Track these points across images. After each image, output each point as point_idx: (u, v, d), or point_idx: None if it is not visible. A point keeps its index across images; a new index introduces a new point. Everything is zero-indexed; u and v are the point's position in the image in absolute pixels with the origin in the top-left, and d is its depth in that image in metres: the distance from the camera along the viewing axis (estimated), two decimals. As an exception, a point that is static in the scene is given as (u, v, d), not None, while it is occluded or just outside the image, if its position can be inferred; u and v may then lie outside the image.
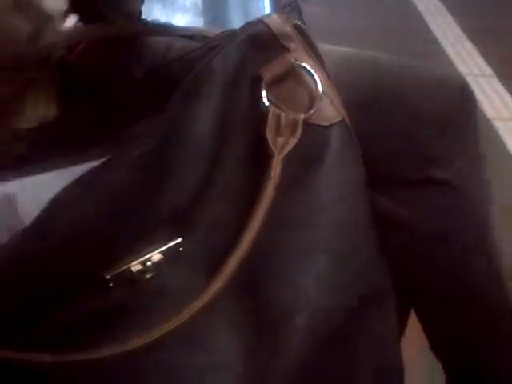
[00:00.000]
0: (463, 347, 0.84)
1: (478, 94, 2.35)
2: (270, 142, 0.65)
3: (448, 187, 0.79)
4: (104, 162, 0.62)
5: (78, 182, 0.61)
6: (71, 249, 0.61)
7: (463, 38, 2.83)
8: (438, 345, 0.85)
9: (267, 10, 1.08)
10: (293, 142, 0.66)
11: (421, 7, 3.11)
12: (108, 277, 0.61)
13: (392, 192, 0.78)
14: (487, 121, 2.19)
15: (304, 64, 0.69)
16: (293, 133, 0.66)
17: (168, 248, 0.63)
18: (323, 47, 0.74)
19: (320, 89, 0.68)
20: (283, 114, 0.66)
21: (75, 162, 0.62)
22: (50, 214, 0.60)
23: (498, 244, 0.83)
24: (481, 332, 0.83)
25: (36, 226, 0.60)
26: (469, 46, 2.77)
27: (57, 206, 0.61)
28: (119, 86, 0.72)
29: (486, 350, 0.83)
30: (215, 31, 0.77)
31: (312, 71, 0.69)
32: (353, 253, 0.69)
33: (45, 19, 0.64)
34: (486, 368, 0.84)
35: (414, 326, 0.85)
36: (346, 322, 0.68)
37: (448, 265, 0.80)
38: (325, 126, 0.69)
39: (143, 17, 0.77)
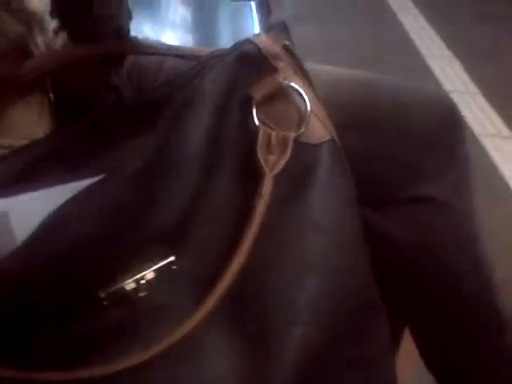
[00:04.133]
0: (454, 360, 0.84)
1: (464, 111, 2.37)
2: (261, 160, 0.66)
3: (436, 204, 0.80)
4: (97, 182, 0.62)
5: (72, 201, 0.61)
6: (65, 267, 0.61)
7: (449, 55, 2.86)
8: (430, 360, 0.85)
9: (256, 29, 1.09)
10: (283, 160, 0.66)
11: (407, 25, 3.14)
12: (102, 295, 0.62)
13: (381, 209, 0.79)
14: (474, 137, 2.21)
15: (292, 84, 0.69)
16: (283, 151, 0.67)
17: (161, 266, 0.63)
18: (314, 67, 0.75)
19: (309, 108, 0.69)
20: (273, 133, 0.67)
21: (69, 180, 0.63)
22: (43, 232, 0.61)
23: (487, 257, 0.83)
24: (472, 344, 0.83)
25: (30, 244, 0.61)
26: (455, 63, 2.80)
27: (50, 224, 0.61)
28: (110, 104, 0.73)
29: (478, 362, 0.84)
30: (205, 50, 0.77)
31: (301, 90, 0.69)
32: (346, 270, 0.69)
33: (32, 19, 0.64)
34: (478, 380, 0.84)
35: (408, 340, 0.86)
36: (340, 337, 0.68)
37: (438, 280, 0.81)
38: (314, 145, 0.69)
39: (133, 34, 0.78)
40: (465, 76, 2.70)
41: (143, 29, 1.15)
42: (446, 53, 2.88)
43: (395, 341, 0.83)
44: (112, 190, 0.63)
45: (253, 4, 1.21)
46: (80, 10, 0.71)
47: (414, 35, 3.05)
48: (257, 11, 1.18)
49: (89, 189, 0.62)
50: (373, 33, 3.01)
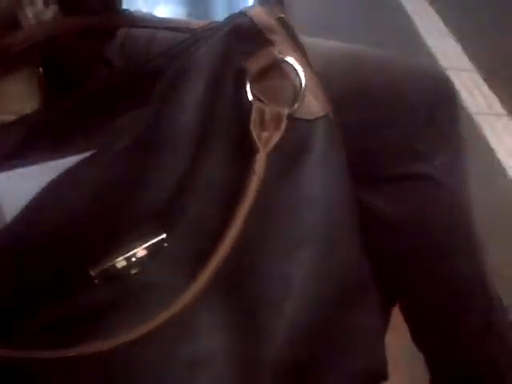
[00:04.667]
0: (443, 337, 0.84)
1: (460, 89, 2.36)
2: (254, 136, 0.65)
3: (431, 182, 0.79)
4: (87, 158, 0.61)
5: (62, 178, 0.61)
6: (55, 245, 0.61)
7: (446, 32, 2.84)
8: (420, 336, 0.85)
9: (251, 1, 1.07)
10: (277, 136, 0.66)
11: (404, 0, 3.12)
12: (93, 273, 0.61)
13: (376, 187, 0.78)
14: (469, 116, 2.20)
15: (288, 58, 0.68)
16: (277, 127, 0.66)
17: (152, 244, 0.63)
18: (309, 40, 0.74)
19: (304, 83, 0.68)
20: (267, 109, 0.66)
21: (58, 157, 0.62)
22: (33, 209, 0.60)
23: (480, 239, 0.83)
24: (460, 322, 0.83)
25: (19, 221, 0.60)
26: (451, 40, 2.79)
27: (40, 201, 0.60)
28: (102, 77, 0.71)
29: (465, 339, 0.84)
30: (199, 23, 0.76)
31: (296, 65, 0.68)
32: (338, 246, 0.69)
33: None
34: (466, 357, 0.84)
35: (398, 314, 0.86)
36: (331, 313, 0.68)
37: (431, 259, 0.81)
38: (309, 121, 0.68)
39: (125, 6, 0.76)
40: (461, 53, 2.69)
41: (136, 3, 1.14)
42: (443, 28, 2.86)
43: (385, 316, 0.83)
44: (102, 167, 0.62)
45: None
46: None
47: (410, 11, 3.03)
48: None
49: (79, 165, 0.61)
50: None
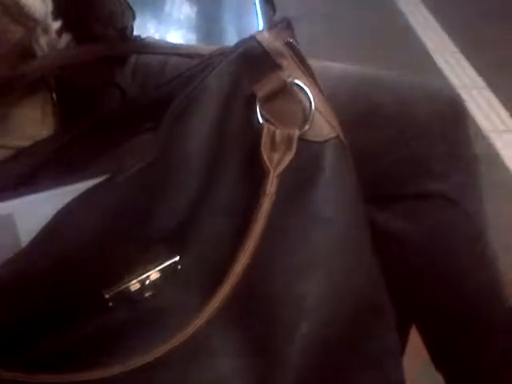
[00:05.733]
0: (463, 360, 0.84)
1: (472, 107, 2.36)
2: (265, 158, 0.65)
3: (445, 200, 0.79)
4: (100, 183, 0.62)
5: (76, 202, 0.61)
6: (70, 268, 0.61)
7: (454, 50, 2.85)
8: (439, 358, 0.85)
9: (261, 26, 1.08)
10: (288, 158, 0.66)
11: (411, 20, 3.13)
12: (107, 296, 0.61)
13: (389, 206, 0.78)
14: (481, 133, 2.20)
15: (297, 81, 0.69)
16: (288, 149, 0.66)
17: (165, 266, 0.63)
18: (319, 64, 0.75)
19: (313, 105, 0.69)
20: (278, 131, 0.66)
21: (73, 181, 0.63)
22: (48, 234, 0.61)
23: (495, 256, 0.83)
24: (481, 345, 0.83)
25: (34, 245, 0.60)
26: (460, 58, 2.79)
27: (55, 226, 0.61)
28: (114, 103, 0.72)
29: (486, 362, 0.83)
30: (209, 48, 0.77)
31: (305, 88, 0.69)
32: (352, 267, 0.69)
33: (33, 22, 0.64)
34: (487, 381, 0.84)
35: (416, 336, 0.85)
36: (346, 336, 0.68)
37: (446, 277, 0.80)
38: (319, 142, 0.69)
39: (137, 33, 0.77)
40: (471, 71, 2.69)
41: (147, 28, 1.15)
42: (451, 46, 2.87)
43: (402, 338, 0.83)
44: (116, 190, 0.62)
45: (257, 1, 1.20)
46: (82, 10, 0.70)
47: (420, 31, 3.04)
48: (261, 8, 1.17)
49: (93, 189, 0.62)
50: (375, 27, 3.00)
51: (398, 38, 2.93)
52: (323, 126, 0.69)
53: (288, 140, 0.66)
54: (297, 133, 0.67)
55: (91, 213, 0.62)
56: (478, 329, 0.82)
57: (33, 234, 0.60)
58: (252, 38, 0.70)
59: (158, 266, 0.63)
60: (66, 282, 0.61)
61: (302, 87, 0.69)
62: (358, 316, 0.69)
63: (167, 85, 0.70)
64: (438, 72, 2.64)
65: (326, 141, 0.69)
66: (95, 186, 0.62)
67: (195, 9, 1.28)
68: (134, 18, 0.76)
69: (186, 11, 1.28)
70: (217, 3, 1.29)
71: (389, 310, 0.73)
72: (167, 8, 1.27)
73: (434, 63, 2.73)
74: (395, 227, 0.78)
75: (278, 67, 0.68)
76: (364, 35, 2.90)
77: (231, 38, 1.13)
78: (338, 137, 0.70)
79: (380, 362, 0.71)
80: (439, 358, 0.85)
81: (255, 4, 1.20)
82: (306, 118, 0.68)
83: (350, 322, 0.68)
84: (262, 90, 0.67)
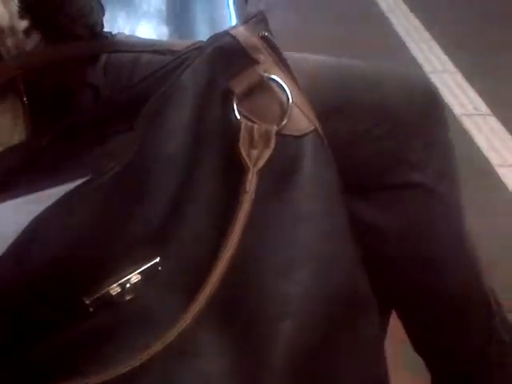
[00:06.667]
0: (442, 344, 0.84)
1: (444, 91, 2.37)
2: (243, 155, 0.65)
3: (424, 190, 0.79)
4: (77, 187, 0.61)
5: (54, 207, 0.60)
6: (49, 275, 0.60)
7: (427, 37, 2.86)
8: (420, 346, 0.85)
9: (233, 19, 1.07)
10: (267, 154, 0.65)
11: (384, 7, 3.13)
12: (88, 302, 0.60)
13: (369, 198, 0.78)
14: (454, 118, 2.21)
15: (273, 76, 0.68)
16: (266, 145, 0.66)
17: (146, 268, 0.62)
18: (295, 56, 0.74)
19: (290, 100, 0.68)
20: (256, 127, 0.66)
21: (48, 186, 0.61)
22: (26, 239, 0.60)
23: (474, 243, 0.83)
24: (461, 328, 0.83)
25: (13, 252, 0.59)
26: (432, 44, 2.80)
27: (33, 231, 0.60)
28: (87, 103, 0.71)
29: (467, 345, 0.84)
30: (181, 43, 0.76)
31: (282, 82, 0.68)
32: (334, 261, 0.68)
33: None
34: (467, 361, 0.84)
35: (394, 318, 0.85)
36: (331, 329, 0.67)
37: (427, 266, 0.81)
38: (298, 137, 0.68)
39: (107, 28, 0.76)
40: (443, 56, 2.70)
41: (117, 21, 1.13)
42: (424, 33, 2.88)
43: (383, 323, 0.83)
44: (94, 194, 0.61)
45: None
46: (50, 9, 0.69)
47: (392, 19, 3.04)
48: (233, 0, 1.16)
49: (70, 194, 0.61)
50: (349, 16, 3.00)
51: (372, 24, 2.93)
52: (301, 120, 0.69)
53: (266, 136, 0.66)
54: (275, 128, 0.66)
55: (69, 217, 0.61)
56: (457, 314, 0.82)
57: (9, 242, 0.59)
58: (227, 32, 0.69)
59: (138, 269, 0.62)
60: (45, 290, 0.60)
61: (278, 82, 0.68)
62: (344, 308, 0.69)
63: (141, 83, 0.68)
64: (410, 58, 2.65)
65: (304, 135, 0.69)
66: (73, 191, 0.61)
67: (165, 1, 1.26)
68: (103, 13, 0.75)
69: (157, 3, 1.27)
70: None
71: (372, 300, 0.72)
72: (137, 1, 1.25)
73: (407, 50, 2.74)
74: (375, 217, 0.78)
75: (254, 62, 0.68)
76: (337, 22, 2.90)
77: (203, 30, 1.11)
78: (315, 130, 0.69)
79: (364, 350, 0.71)
80: (418, 345, 0.85)
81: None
82: (283, 112, 0.68)
83: (336, 315, 0.68)
84: (239, 85, 0.66)
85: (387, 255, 0.79)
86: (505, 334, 0.84)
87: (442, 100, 0.86)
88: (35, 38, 0.69)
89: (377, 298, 0.74)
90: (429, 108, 0.82)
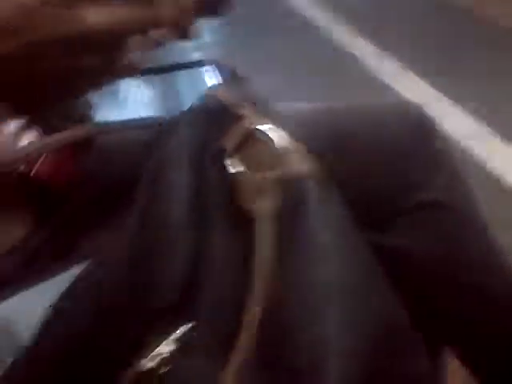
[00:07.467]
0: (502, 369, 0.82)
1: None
2: (247, 207, 0.65)
3: (438, 206, 0.79)
4: (87, 268, 0.61)
5: (67, 293, 0.60)
6: (75, 361, 0.59)
7: (403, 71, 2.90)
8: (476, 370, 0.83)
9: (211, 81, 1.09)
10: (270, 201, 0.66)
11: (357, 53, 3.19)
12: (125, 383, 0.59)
13: (386, 226, 0.78)
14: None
15: (260, 126, 0.69)
16: (269, 193, 0.66)
17: (176, 336, 0.62)
18: (289, 107, 0.76)
19: (283, 146, 0.69)
20: (253, 177, 0.66)
21: (61, 269, 0.61)
22: (46, 329, 0.59)
23: (503, 250, 0.82)
24: (504, 342, 0.81)
25: (35, 342, 0.59)
26: (411, 76, 2.84)
27: (51, 319, 0.59)
28: (85, 189, 0.72)
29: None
30: (165, 116, 0.77)
31: (270, 131, 0.69)
32: (363, 292, 0.67)
33: None
34: None
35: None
36: (375, 362, 0.65)
37: (460, 284, 0.80)
38: (299, 180, 0.69)
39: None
40: (424, 86, 2.74)
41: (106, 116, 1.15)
42: (400, 69, 2.92)
43: (436, 359, 0.81)
44: (105, 274, 0.61)
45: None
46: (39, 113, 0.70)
47: (366, 62, 3.09)
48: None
49: (80, 277, 0.61)
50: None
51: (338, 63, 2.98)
52: (298, 164, 0.69)
53: (266, 184, 0.66)
54: (273, 175, 0.67)
55: (83, 302, 0.60)
56: (500, 330, 0.81)
57: (32, 331, 0.58)
58: (206, 95, 0.70)
59: (168, 337, 0.61)
60: (74, 376, 0.59)
61: (267, 131, 0.69)
62: (383, 343, 0.67)
63: (133, 159, 0.69)
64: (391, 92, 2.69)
65: (304, 177, 0.69)
66: (80, 275, 0.61)
67: (151, 93, 1.29)
68: (90, 108, 0.77)
69: (143, 97, 1.29)
70: (171, 85, 1.29)
71: (412, 332, 0.71)
72: (123, 95, 1.27)
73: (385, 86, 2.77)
74: (395, 245, 0.78)
75: (239, 118, 0.69)
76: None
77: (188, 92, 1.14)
78: (316, 170, 0.70)
79: (416, 382, 0.69)
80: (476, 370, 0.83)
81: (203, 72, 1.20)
82: (278, 159, 0.68)
83: (377, 346, 0.66)
84: (229, 142, 0.67)
85: (420, 281, 0.78)
86: None
87: (434, 121, 0.88)
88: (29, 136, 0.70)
89: (423, 336, 0.72)
90: (423, 131, 0.84)
